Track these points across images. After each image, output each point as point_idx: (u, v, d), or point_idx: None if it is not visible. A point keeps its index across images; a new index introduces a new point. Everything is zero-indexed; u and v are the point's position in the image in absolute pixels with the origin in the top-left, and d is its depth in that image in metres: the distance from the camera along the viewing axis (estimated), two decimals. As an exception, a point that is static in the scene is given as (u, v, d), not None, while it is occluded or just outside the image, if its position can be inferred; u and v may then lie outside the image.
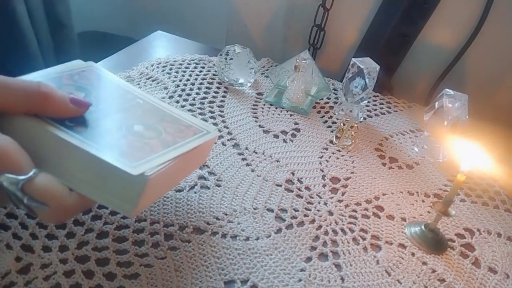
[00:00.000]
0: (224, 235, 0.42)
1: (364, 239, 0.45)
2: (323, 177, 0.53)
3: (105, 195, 0.30)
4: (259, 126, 0.60)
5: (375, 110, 0.68)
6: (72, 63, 0.38)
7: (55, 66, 0.36)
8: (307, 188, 0.50)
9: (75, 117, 0.32)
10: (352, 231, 0.46)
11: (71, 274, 0.36)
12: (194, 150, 0.36)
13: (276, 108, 0.64)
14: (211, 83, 0.67)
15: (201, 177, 0.49)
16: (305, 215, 0.46)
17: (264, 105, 0.65)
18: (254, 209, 0.46)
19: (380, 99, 0.71)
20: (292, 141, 0.58)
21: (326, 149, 0.58)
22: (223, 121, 0.59)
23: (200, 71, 0.69)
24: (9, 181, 0.27)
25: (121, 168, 0.28)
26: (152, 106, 0.39)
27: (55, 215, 0.30)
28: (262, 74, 0.72)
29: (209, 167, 0.50)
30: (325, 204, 0.49)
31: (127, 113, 0.36)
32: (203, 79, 0.67)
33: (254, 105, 0.64)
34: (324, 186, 0.51)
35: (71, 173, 0.30)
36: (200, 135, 0.38)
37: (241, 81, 0.66)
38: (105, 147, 0.30)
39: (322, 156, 0.56)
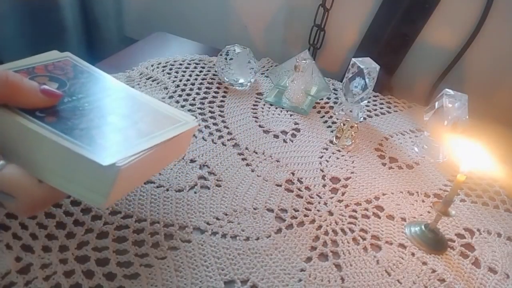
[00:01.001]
0: (224, 235, 0.42)
1: (364, 239, 0.45)
2: (323, 177, 0.53)
3: (75, 187, 0.29)
4: (259, 126, 0.60)
5: (375, 110, 0.68)
6: (48, 53, 0.37)
7: (29, 57, 0.35)
8: (307, 188, 0.50)
9: (47, 108, 0.31)
10: (352, 231, 0.46)
11: (71, 274, 0.36)
12: (172, 140, 0.35)
13: (276, 108, 0.64)
14: (211, 83, 0.67)
15: (201, 177, 0.49)
16: (305, 215, 0.46)
17: (264, 105, 0.65)
18: (254, 209, 0.46)
19: (380, 99, 0.71)
20: (292, 141, 0.58)
21: (326, 149, 0.58)
22: (223, 121, 0.59)
23: (200, 71, 0.69)
24: None
25: (91, 158, 0.28)
26: (128, 96, 0.38)
27: (23, 208, 0.29)
28: (262, 74, 0.72)
29: (209, 167, 0.50)
30: (325, 204, 0.49)
31: (102, 104, 0.35)
32: (203, 79, 0.67)
33: (254, 105, 0.64)
34: (324, 186, 0.51)
35: (40, 165, 0.29)
36: (178, 125, 0.37)
37: (241, 81, 0.66)
38: (76, 137, 0.29)
39: (322, 156, 0.56)
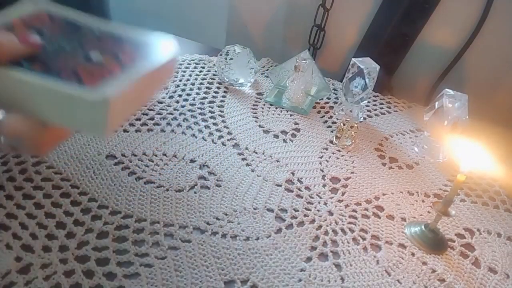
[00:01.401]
0: (224, 235, 0.42)
1: (364, 239, 0.45)
2: (323, 177, 0.53)
3: (75, 123, 0.31)
4: (259, 126, 0.60)
5: (375, 110, 0.68)
6: (21, 4, 0.38)
7: (2, 11, 0.36)
8: (307, 188, 0.50)
9: (31, 57, 0.32)
10: (352, 231, 0.46)
11: (71, 274, 0.36)
12: (160, 67, 0.36)
13: (276, 108, 0.64)
14: (211, 83, 0.67)
15: (201, 177, 0.49)
16: (305, 215, 0.46)
17: (264, 105, 0.65)
18: (254, 209, 0.46)
19: (380, 99, 0.71)
20: (292, 141, 0.58)
21: (326, 149, 0.58)
22: (223, 121, 0.59)
23: (200, 71, 0.69)
24: None
25: (81, 96, 0.29)
26: (108, 32, 0.39)
27: (33, 146, 0.31)
28: (262, 74, 0.72)
29: (209, 167, 0.50)
30: (325, 204, 0.49)
31: (83, 43, 0.36)
32: (203, 79, 0.67)
33: (254, 105, 0.64)
34: (324, 186, 0.51)
35: (37, 110, 0.31)
36: (159, 51, 0.38)
37: (241, 81, 0.66)
38: (64, 79, 0.31)
39: (322, 156, 0.56)
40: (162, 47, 0.39)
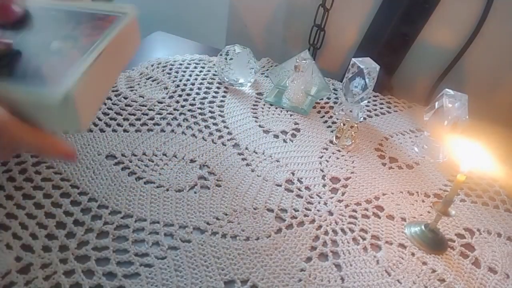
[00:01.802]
0: (224, 235, 0.42)
1: (364, 239, 0.45)
2: (323, 177, 0.53)
3: (50, 124, 0.31)
4: (259, 126, 0.60)
5: (375, 110, 0.68)
6: None
7: None
8: (307, 188, 0.50)
9: None
10: (352, 231, 0.46)
11: (71, 274, 0.36)
12: (118, 38, 0.35)
13: (276, 108, 0.64)
14: (211, 83, 0.67)
15: (201, 177, 0.49)
16: (305, 215, 0.46)
17: (264, 105, 0.65)
18: (254, 209, 0.46)
19: (380, 99, 0.71)
20: (292, 141, 0.58)
21: (326, 149, 0.58)
22: (223, 121, 0.59)
23: (200, 71, 0.69)
24: None
25: (45, 100, 0.29)
26: (65, 13, 0.38)
27: (13, 144, 0.30)
28: (262, 74, 0.72)
29: (209, 167, 0.50)
30: (325, 204, 0.49)
31: (42, 33, 0.35)
32: (203, 79, 0.67)
33: (254, 105, 0.64)
34: (324, 186, 0.51)
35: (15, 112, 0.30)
36: (117, 23, 0.37)
37: (241, 81, 0.66)
38: (28, 82, 0.30)
39: (322, 156, 0.56)
40: (120, 15, 0.38)
